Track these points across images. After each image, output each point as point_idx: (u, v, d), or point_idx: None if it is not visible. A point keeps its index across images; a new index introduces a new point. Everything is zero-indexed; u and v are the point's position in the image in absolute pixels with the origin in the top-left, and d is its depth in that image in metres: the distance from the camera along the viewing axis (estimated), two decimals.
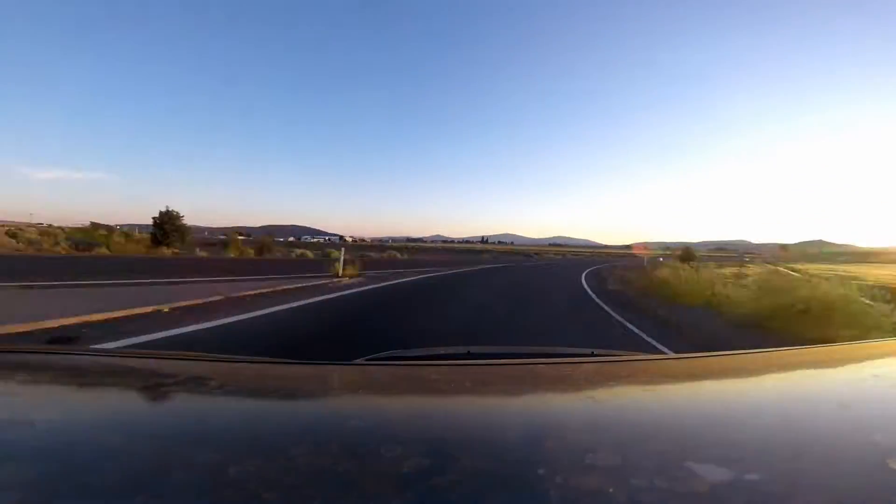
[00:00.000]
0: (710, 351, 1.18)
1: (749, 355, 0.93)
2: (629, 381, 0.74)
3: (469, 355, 1.21)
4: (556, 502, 0.32)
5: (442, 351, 1.37)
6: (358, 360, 1.01)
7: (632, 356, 1.09)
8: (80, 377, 0.78)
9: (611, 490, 0.34)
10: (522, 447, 0.44)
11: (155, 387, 0.68)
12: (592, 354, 1.11)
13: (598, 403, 0.60)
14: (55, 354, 0.95)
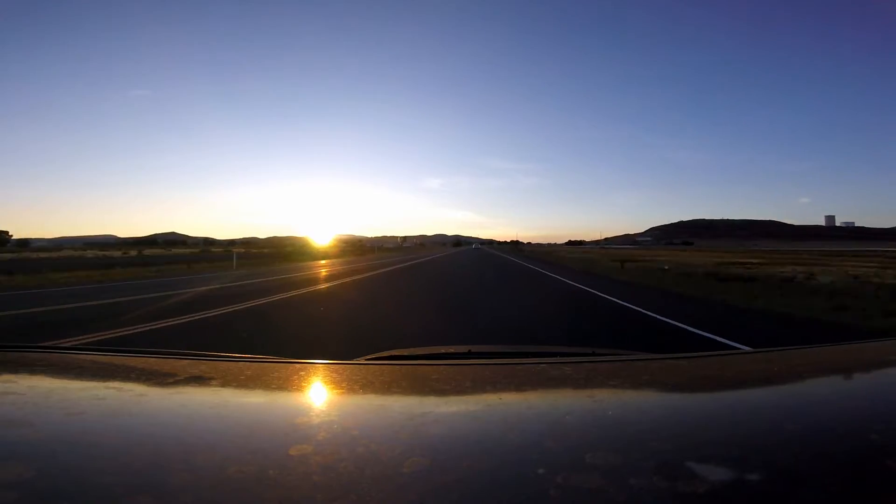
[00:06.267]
0: (709, 350, 1.19)
1: (749, 355, 0.94)
2: (629, 381, 0.74)
3: (469, 354, 1.22)
4: (556, 502, 0.32)
5: (443, 350, 1.38)
6: (358, 360, 1.01)
7: (632, 356, 1.09)
8: (80, 376, 0.78)
9: (611, 490, 0.34)
10: (522, 447, 0.44)
11: (155, 386, 0.68)
12: (593, 354, 1.11)
13: (598, 403, 0.60)
14: (55, 353, 0.95)
